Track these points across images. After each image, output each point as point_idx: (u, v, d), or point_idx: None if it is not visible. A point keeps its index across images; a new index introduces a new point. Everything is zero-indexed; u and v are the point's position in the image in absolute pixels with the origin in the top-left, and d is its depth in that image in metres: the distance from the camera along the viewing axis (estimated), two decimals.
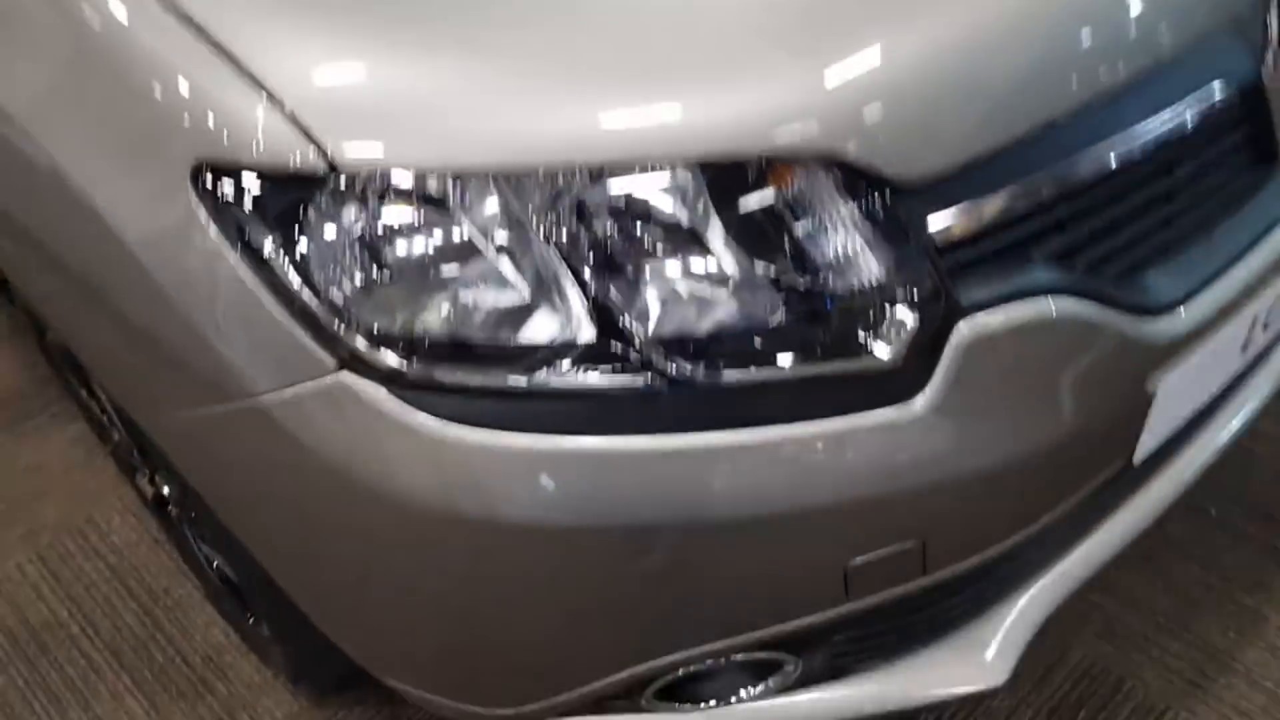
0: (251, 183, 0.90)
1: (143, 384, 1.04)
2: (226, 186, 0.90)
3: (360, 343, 0.91)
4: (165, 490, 1.50)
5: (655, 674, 1.11)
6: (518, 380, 0.92)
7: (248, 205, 0.90)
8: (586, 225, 0.92)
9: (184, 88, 0.91)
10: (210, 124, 0.90)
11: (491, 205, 0.91)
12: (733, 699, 1.19)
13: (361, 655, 1.23)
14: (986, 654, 1.25)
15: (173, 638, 1.75)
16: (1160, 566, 1.69)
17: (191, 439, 1.04)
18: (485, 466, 0.93)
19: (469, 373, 0.92)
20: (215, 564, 1.51)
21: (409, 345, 0.92)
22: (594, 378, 0.93)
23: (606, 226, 0.93)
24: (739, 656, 1.11)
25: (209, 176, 0.90)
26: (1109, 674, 1.57)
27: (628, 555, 0.98)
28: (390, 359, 0.92)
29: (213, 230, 0.91)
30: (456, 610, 1.05)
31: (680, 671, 1.12)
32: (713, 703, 1.19)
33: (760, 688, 1.19)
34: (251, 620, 1.54)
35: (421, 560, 1.00)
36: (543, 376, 0.92)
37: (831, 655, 1.19)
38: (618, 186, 0.92)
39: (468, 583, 1.01)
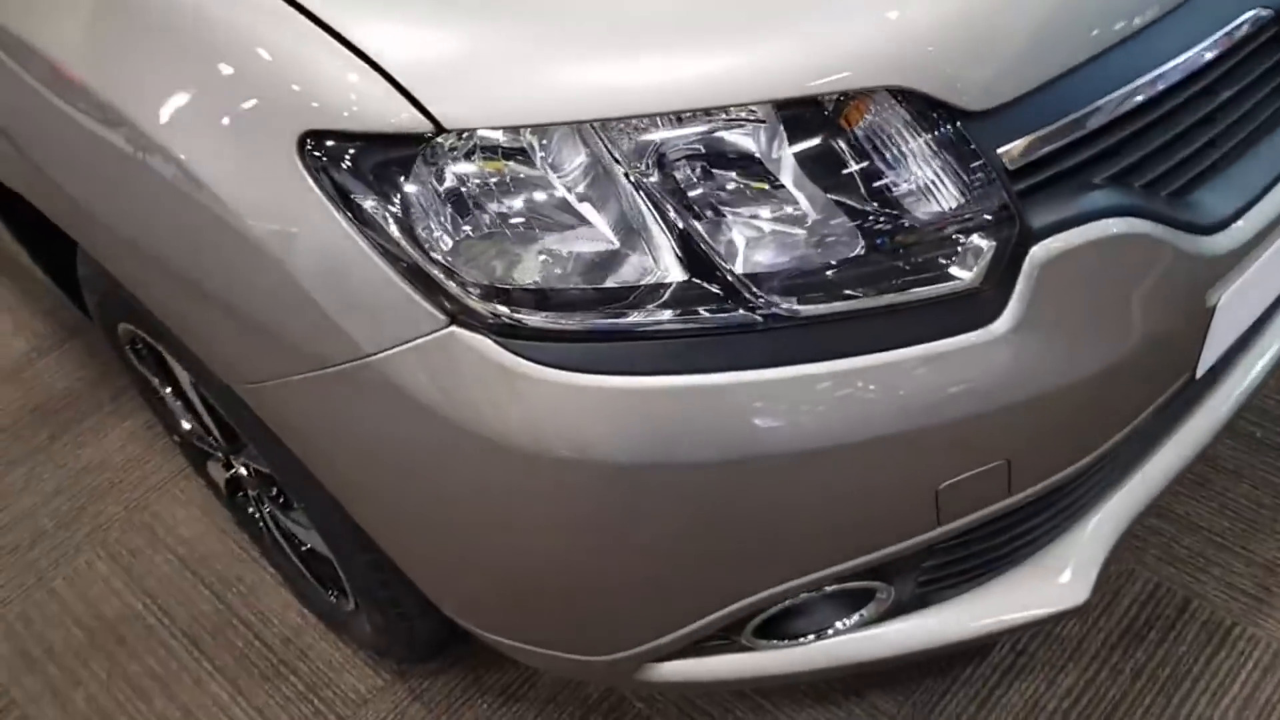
0: (356, 148, 0.93)
1: (247, 356, 1.06)
2: (332, 154, 0.93)
3: (468, 296, 0.95)
4: (243, 472, 1.53)
5: (755, 610, 1.14)
6: (616, 323, 0.96)
7: (354, 170, 0.93)
8: (671, 170, 0.96)
9: (284, 59, 0.94)
10: (313, 94, 0.92)
11: (581, 156, 0.95)
12: (829, 631, 1.22)
13: (462, 612, 1.26)
14: (1066, 574, 1.28)
15: (249, 622, 1.78)
16: (1213, 490, 1.72)
17: (299, 407, 1.06)
18: (591, 410, 0.96)
19: (570, 319, 0.95)
20: (299, 542, 1.54)
21: (513, 296, 0.95)
22: (687, 317, 0.96)
23: (690, 170, 0.96)
24: (834, 587, 1.15)
25: (315, 145, 0.93)
26: (1174, 595, 1.61)
27: (730, 490, 1.01)
28: (497, 310, 0.95)
29: (321, 197, 0.93)
30: (560, 557, 1.08)
31: (778, 606, 1.15)
32: (810, 636, 1.22)
33: (854, 618, 1.22)
34: (334, 597, 1.57)
35: (528, 508, 1.03)
36: (638, 318, 0.96)
37: (919, 584, 1.22)
38: (699, 131, 0.95)
39: (573, 528, 1.04)
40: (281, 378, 1.05)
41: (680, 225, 0.96)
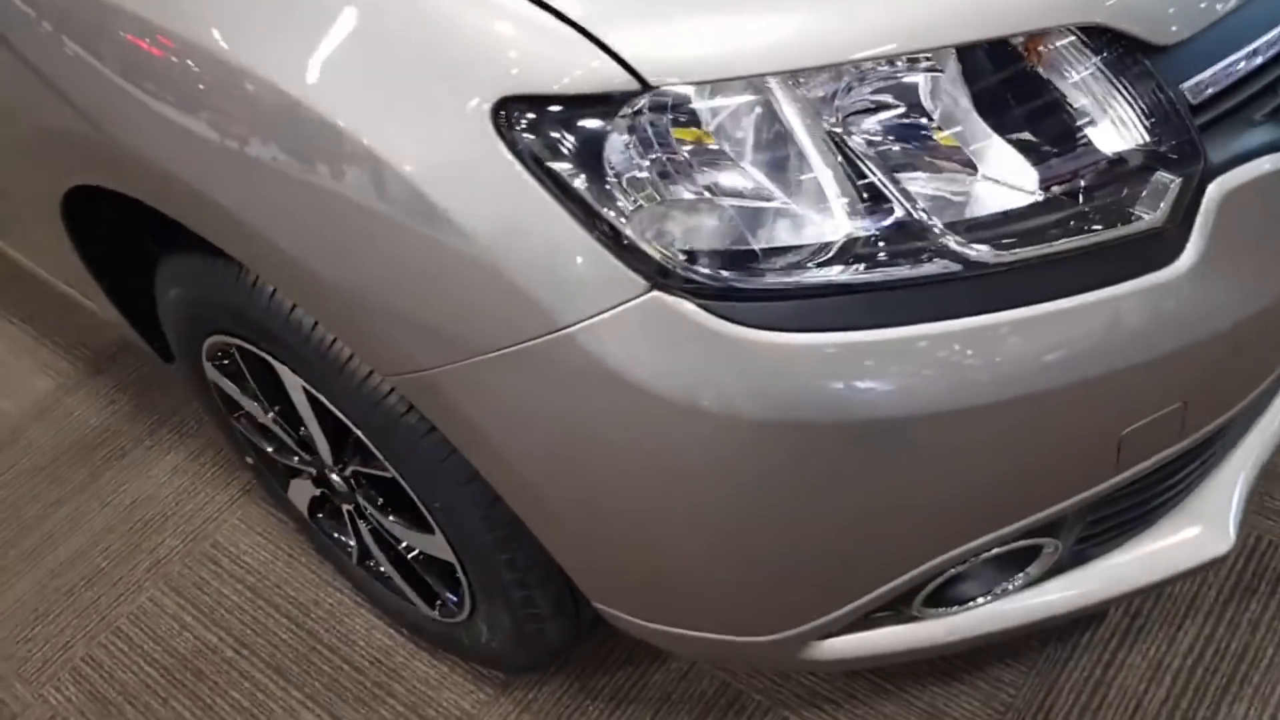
0: (554, 112, 0.90)
1: (420, 342, 1.01)
2: (529, 120, 0.90)
3: (670, 259, 0.92)
4: (339, 483, 1.47)
5: (933, 575, 1.12)
6: (818, 278, 0.93)
7: (551, 135, 0.90)
8: (854, 123, 0.94)
9: (473, 24, 0.91)
10: (508, 60, 0.90)
11: (763, 112, 0.92)
12: (997, 591, 1.20)
13: (616, 600, 1.22)
14: (1209, 524, 1.28)
15: (335, 647, 1.72)
16: None
17: (473, 390, 1.01)
18: (798, 368, 0.93)
19: (771, 278, 0.93)
20: (405, 552, 1.48)
21: (714, 257, 0.93)
22: (885, 269, 0.94)
23: (873, 121, 0.95)
24: (1007, 546, 1.13)
25: (511, 113, 0.90)
26: (1276, 548, 1.61)
27: (931, 445, 0.99)
28: (699, 272, 0.92)
29: (517, 167, 0.90)
30: (750, 529, 1.04)
31: (958, 568, 1.13)
32: (980, 600, 1.20)
33: (1020, 577, 1.21)
34: (438, 608, 1.52)
35: (722, 477, 1.00)
36: (837, 274, 0.94)
37: (1077, 540, 1.21)
38: (880, 80, 0.94)
39: (770, 495, 1.01)
40: (458, 361, 1.00)
41: (869, 178, 0.94)
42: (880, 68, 0.94)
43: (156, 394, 2.16)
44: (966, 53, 0.94)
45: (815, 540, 1.06)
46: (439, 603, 1.52)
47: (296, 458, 1.54)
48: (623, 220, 0.91)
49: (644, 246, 0.92)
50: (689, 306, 0.93)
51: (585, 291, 0.93)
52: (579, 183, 0.91)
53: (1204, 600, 1.58)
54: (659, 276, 0.92)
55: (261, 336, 1.29)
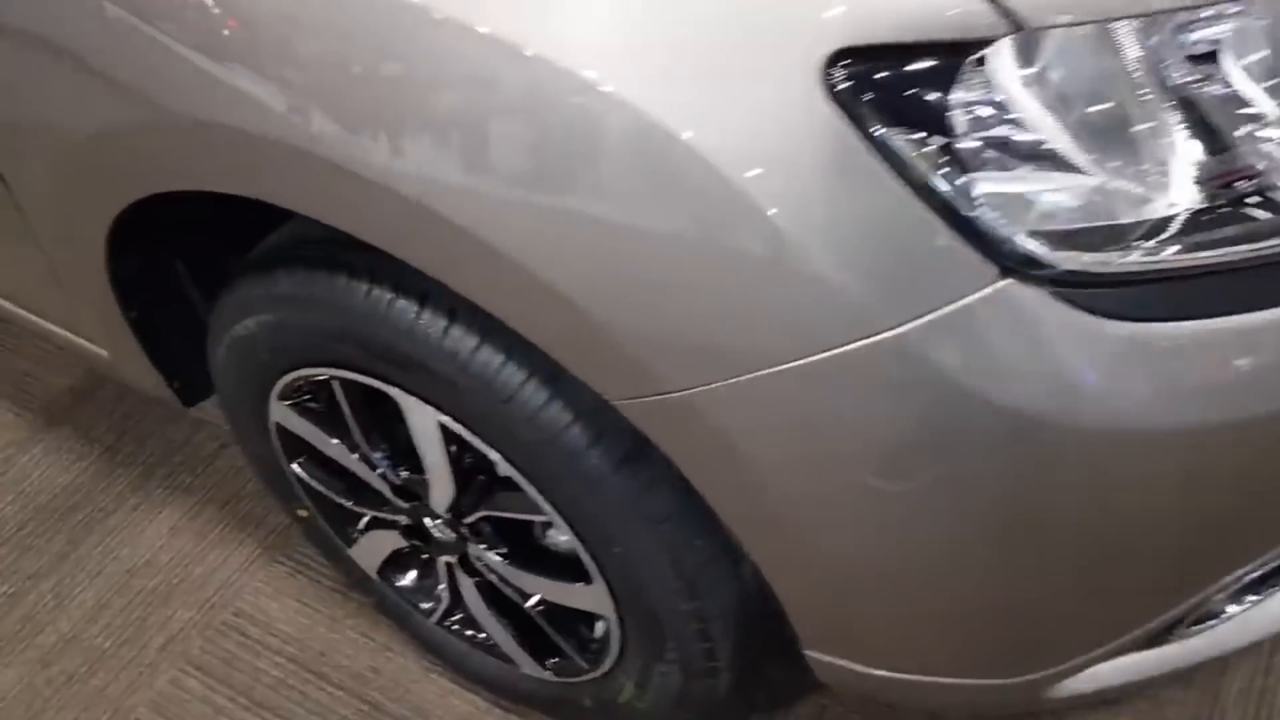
0: (902, 62, 0.74)
1: (687, 355, 0.83)
2: (869, 74, 0.74)
3: (1030, 244, 0.77)
4: (442, 532, 1.27)
5: (1218, 593, 1.00)
6: (1180, 259, 0.80)
7: (896, 92, 0.74)
8: (1197, 76, 0.82)
9: None
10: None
11: (1129, 61, 0.79)
12: (1249, 601, 1.09)
13: (840, 644, 1.05)
14: None
15: (406, 719, 1.50)
16: None
17: (745, 412, 0.84)
18: (1175, 364, 0.80)
19: (1137, 259, 0.79)
20: (521, 605, 1.29)
21: (1073, 237, 0.79)
22: (1245, 244, 0.82)
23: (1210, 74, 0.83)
24: None
25: (846, 65, 0.74)
26: None
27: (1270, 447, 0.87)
28: (1060, 258, 0.78)
29: (849, 131, 0.74)
30: (1060, 554, 0.90)
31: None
32: (1234, 609, 1.08)
33: (1271, 585, 1.10)
34: (554, 668, 1.33)
35: (1055, 495, 0.86)
36: (1201, 251, 0.81)
37: None
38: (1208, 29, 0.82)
39: (1098, 515, 0.87)
40: (730, 379, 0.83)
41: (1218, 140, 0.81)
42: (1214, 14, 0.82)
43: (131, 444, 1.89)
44: None
45: (1121, 561, 0.92)
46: (554, 660, 1.33)
47: (386, 506, 1.32)
48: (975, 197, 0.76)
49: (999, 228, 0.77)
50: (1043, 297, 0.78)
51: (922, 284, 0.78)
52: (921, 151, 0.75)
53: None
54: (1015, 263, 0.77)
55: (389, 363, 1.08)
